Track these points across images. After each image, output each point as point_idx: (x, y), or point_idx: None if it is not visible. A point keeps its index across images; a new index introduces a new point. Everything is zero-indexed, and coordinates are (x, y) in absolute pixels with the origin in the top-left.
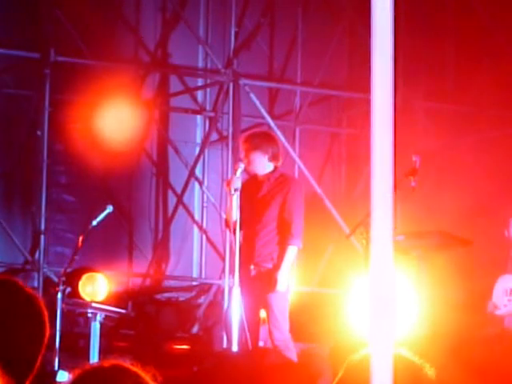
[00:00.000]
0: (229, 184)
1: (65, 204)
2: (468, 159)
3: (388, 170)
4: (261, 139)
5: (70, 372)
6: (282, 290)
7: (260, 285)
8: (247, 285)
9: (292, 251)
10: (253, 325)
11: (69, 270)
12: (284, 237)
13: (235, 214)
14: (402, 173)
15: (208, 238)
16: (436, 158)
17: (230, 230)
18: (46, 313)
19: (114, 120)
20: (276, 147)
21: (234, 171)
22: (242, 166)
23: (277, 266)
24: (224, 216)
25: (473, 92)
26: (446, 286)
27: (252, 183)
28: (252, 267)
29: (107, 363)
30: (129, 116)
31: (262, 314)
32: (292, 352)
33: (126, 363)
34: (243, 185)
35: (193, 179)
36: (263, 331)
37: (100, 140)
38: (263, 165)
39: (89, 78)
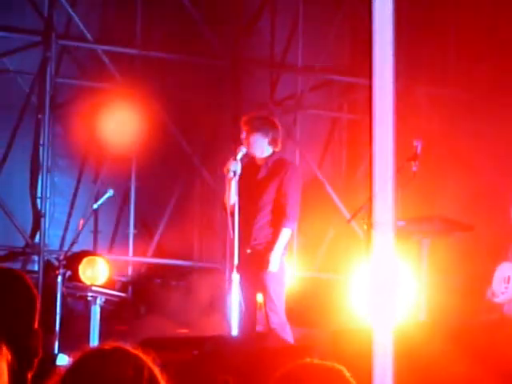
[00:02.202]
0: (227, 167)
1: (65, 187)
2: (469, 145)
3: (388, 156)
4: (262, 122)
5: (69, 355)
6: (274, 270)
7: (255, 267)
8: (244, 268)
9: (286, 233)
10: (250, 308)
11: (69, 253)
12: (279, 219)
13: (233, 198)
14: (404, 158)
15: (208, 221)
16: (438, 143)
17: (228, 213)
18: (33, 289)
19: (116, 108)
20: (276, 131)
21: (235, 154)
22: (243, 149)
23: (269, 248)
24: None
25: (475, 78)
26: (447, 271)
27: (250, 167)
28: (248, 251)
29: (108, 346)
30: (128, 101)
31: (260, 298)
32: (288, 335)
33: (127, 346)
34: (242, 168)
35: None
36: (260, 315)
37: (101, 124)
38: (263, 148)
39: (92, 62)
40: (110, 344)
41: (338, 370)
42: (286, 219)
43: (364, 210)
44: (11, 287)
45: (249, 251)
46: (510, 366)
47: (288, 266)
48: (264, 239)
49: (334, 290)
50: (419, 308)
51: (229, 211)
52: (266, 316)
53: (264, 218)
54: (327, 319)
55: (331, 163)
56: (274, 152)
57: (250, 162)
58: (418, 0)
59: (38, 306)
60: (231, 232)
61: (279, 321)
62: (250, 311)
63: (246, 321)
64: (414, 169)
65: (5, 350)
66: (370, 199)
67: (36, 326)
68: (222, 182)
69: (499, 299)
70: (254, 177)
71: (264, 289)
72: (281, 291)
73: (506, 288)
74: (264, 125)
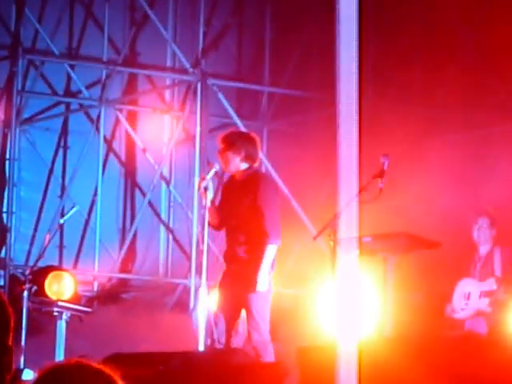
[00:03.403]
0: (199, 184)
1: (31, 202)
2: (435, 161)
3: (353, 173)
4: (234, 139)
5: (35, 370)
6: (262, 290)
7: (238, 285)
8: (225, 285)
9: (270, 251)
10: (230, 325)
11: (35, 268)
12: (259, 236)
13: (207, 214)
14: (370, 174)
15: (174, 238)
16: (404, 159)
17: (214, 229)
18: (7, 304)
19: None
20: (251, 147)
21: (207, 171)
22: (216, 167)
23: (253, 266)
24: (190, 216)
25: (440, 94)
26: (412, 287)
27: (230, 182)
28: (230, 267)
29: (71, 361)
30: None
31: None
32: (269, 354)
33: (91, 361)
34: (223, 184)
35: (160, 179)
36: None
37: (68, 139)
38: (235, 165)
39: (59, 76)
40: (74, 360)
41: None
42: (268, 236)
43: (330, 226)
44: None
45: (230, 267)
46: (472, 381)
47: (273, 284)
48: (244, 255)
49: (300, 306)
50: (384, 324)
51: (212, 226)
52: (248, 334)
53: (243, 234)
54: (293, 335)
55: (298, 179)
56: (250, 167)
57: (230, 178)
58: (382, 17)
59: (12, 323)
60: (201, 247)
61: (261, 339)
62: (230, 327)
63: (219, 336)
64: (381, 185)
65: None
66: (336, 216)
67: (10, 342)
68: (189, 197)
69: (459, 315)
70: (231, 192)
71: (247, 307)
72: (264, 309)
73: (466, 304)
74: (236, 142)
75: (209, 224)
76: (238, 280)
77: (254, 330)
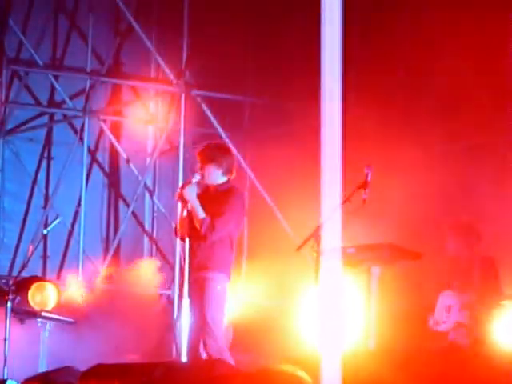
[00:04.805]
0: (179, 194)
1: (15, 213)
2: (419, 171)
3: (336, 185)
4: (216, 152)
5: (18, 381)
6: (213, 295)
7: (196, 293)
8: (190, 293)
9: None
10: (194, 334)
11: (19, 278)
12: (220, 243)
13: (178, 223)
14: (354, 185)
15: (158, 248)
16: (387, 170)
17: (181, 239)
18: None
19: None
20: (231, 160)
21: (189, 181)
22: (197, 177)
23: (209, 270)
24: (173, 225)
25: (422, 104)
26: (396, 299)
27: (204, 194)
28: (191, 276)
29: (54, 372)
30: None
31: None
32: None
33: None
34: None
35: (144, 189)
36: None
37: (52, 149)
38: (216, 177)
39: (43, 86)
40: (58, 370)
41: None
42: (213, 226)
43: (314, 237)
44: None
45: (192, 276)
46: None
47: (230, 293)
48: (205, 265)
49: (283, 317)
50: (368, 336)
51: (179, 236)
52: (203, 342)
53: (208, 243)
54: (275, 346)
55: (282, 190)
56: (227, 180)
57: (205, 189)
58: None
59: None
60: (181, 258)
61: (217, 346)
62: (194, 336)
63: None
64: (365, 196)
65: None
66: (320, 227)
67: None
68: (173, 207)
69: (441, 328)
70: (204, 204)
71: (202, 315)
72: (219, 317)
73: (447, 317)
74: (218, 155)
75: (175, 233)
76: (195, 289)
77: (208, 336)
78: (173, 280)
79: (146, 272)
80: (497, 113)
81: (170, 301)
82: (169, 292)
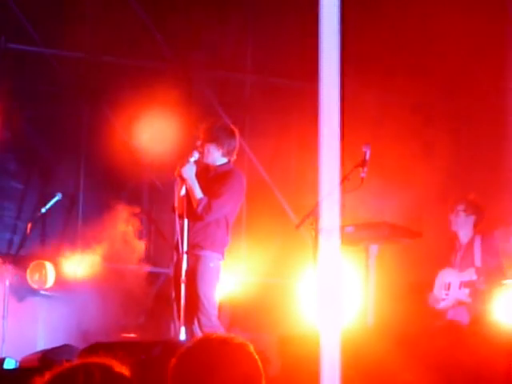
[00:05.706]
0: (178, 171)
1: (13, 191)
2: (418, 151)
3: (335, 163)
4: (220, 133)
5: (16, 359)
6: (206, 272)
7: (189, 271)
8: (179, 272)
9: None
10: (187, 311)
11: (17, 257)
12: (215, 224)
13: (176, 201)
14: (352, 164)
15: (157, 227)
16: (386, 150)
17: (178, 217)
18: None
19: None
20: (233, 142)
21: (186, 159)
22: (195, 155)
23: (203, 251)
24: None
25: (423, 85)
26: (394, 277)
27: (203, 173)
28: (185, 255)
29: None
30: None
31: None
32: None
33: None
34: (195, 173)
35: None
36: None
37: (51, 128)
38: (215, 158)
39: (40, 67)
40: (57, 348)
41: (240, 344)
42: (210, 205)
43: (312, 215)
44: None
45: (185, 255)
46: (454, 370)
47: (224, 272)
48: (198, 244)
49: (282, 295)
50: (366, 313)
51: (177, 214)
52: (198, 319)
53: (201, 223)
54: (275, 324)
55: (280, 168)
56: (228, 161)
57: (204, 168)
58: (364, 4)
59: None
60: (178, 236)
61: (210, 324)
62: (186, 313)
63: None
64: (363, 175)
65: None
66: (318, 205)
67: None
68: (170, 185)
69: (440, 305)
70: (201, 183)
71: (196, 293)
72: (212, 295)
73: (447, 295)
74: (220, 136)
75: (173, 210)
76: (188, 267)
77: (202, 314)
78: (171, 259)
79: (139, 249)
80: (498, 92)
81: (169, 279)
82: (168, 270)
